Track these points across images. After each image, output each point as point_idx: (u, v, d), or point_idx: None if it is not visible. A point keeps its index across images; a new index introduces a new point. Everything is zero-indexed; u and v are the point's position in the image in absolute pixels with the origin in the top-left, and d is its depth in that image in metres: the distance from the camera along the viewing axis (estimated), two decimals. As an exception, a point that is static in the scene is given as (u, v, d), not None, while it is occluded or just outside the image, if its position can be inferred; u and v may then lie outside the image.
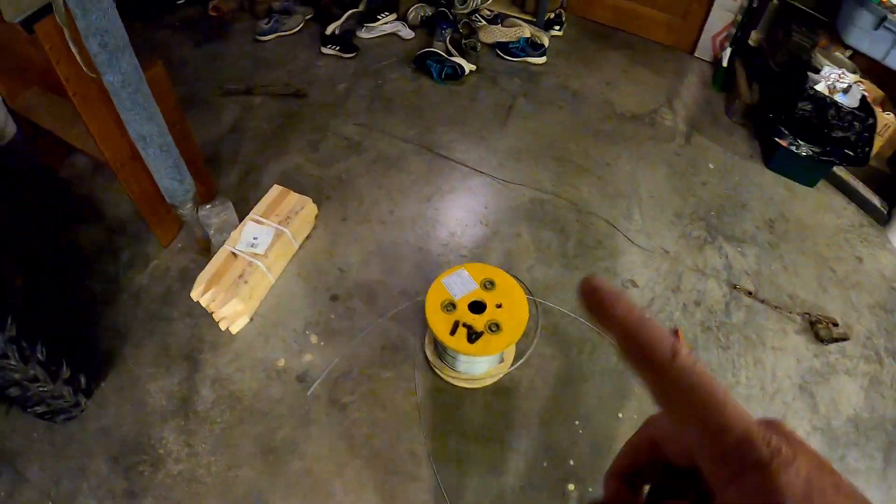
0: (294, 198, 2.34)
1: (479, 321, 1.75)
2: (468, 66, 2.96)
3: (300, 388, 2.02)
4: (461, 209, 2.50)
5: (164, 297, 2.25)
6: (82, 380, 1.86)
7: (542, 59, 3.07)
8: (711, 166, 2.68)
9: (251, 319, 2.17)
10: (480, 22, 3.12)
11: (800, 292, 2.27)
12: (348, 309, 2.19)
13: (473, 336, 1.72)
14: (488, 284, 1.83)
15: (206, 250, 2.29)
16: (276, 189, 2.37)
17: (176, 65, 3.10)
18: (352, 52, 3.13)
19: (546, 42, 3.08)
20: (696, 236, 2.43)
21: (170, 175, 1.91)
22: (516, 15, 3.24)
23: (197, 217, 2.15)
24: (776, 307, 2.18)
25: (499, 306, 1.79)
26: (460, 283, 1.85)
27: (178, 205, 2.06)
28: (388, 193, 2.55)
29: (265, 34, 3.21)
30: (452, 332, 1.73)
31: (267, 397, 2.01)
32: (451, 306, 1.79)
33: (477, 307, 1.80)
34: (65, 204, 2.54)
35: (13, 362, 1.57)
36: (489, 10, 3.24)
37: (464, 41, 2.99)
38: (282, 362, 2.08)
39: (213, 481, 1.86)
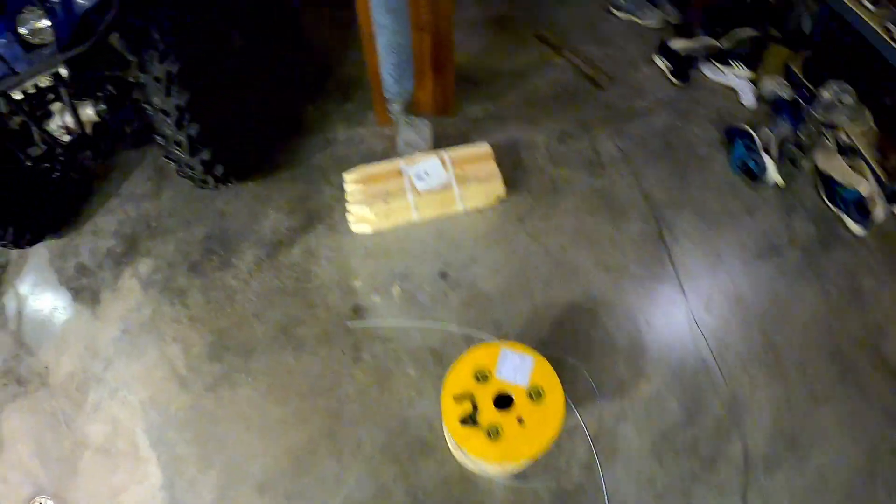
0: (490, 167, 2.23)
1: (486, 415, 1.53)
2: (774, 176, 2.38)
3: (348, 313, 2.05)
4: (622, 300, 2.13)
5: (340, 159, 2.41)
6: (220, 168, 2.12)
7: (859, 230, 2.31)
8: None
9: (372, 232, 2.21)
10: (829, 141, 2.43)
11: None
12: (442, 294, 2.09)
13: (468, 421, 1.52)
14: (535, 394, 1.56)
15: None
16: (483, 147, 2.27)
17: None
18: (681, 80, 2.72)
19: (879, 216, 2.29)
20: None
21: (388, 71, 1.96)
22: (871, 161, 2.43)
23: (399, 119, 2.18)
24: None
25: (520, 420, 1.53)
26: (515, 367, 1.60)
27: (389, 100, 2.11)
28: (576, 230, 2.27)
29: (620, 10, 2.95)
30: (457, 400, 1.55)
31: (323, 295, 2.09)
32: (483, 378, 1.58)
33: (502, 402, 1.56)
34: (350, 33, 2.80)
35: (169, 121, 1.83)
36: (849, 135, 2.49)
37: (790, 146, 2.37)
38: (358, 283, 2.11)
39: (238, 311, 2.06)
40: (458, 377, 1.59)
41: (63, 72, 1.66)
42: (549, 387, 1.58)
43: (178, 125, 1.86)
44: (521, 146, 2.49)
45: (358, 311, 2.05)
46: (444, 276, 2.14)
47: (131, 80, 1.92)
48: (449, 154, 2.24)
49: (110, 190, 2.31)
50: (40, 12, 1.53)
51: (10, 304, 2.11)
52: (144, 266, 2.14)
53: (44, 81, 1.67)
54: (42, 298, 2.10)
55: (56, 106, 1.86)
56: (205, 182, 2.15)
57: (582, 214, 2.32)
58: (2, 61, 1.56)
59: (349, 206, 2.17)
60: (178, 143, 1.92)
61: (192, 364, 1.95)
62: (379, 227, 2.20)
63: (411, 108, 2.24)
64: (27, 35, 1.55)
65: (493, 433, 1.51)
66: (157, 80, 1.77)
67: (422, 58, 2.19)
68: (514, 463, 1.54)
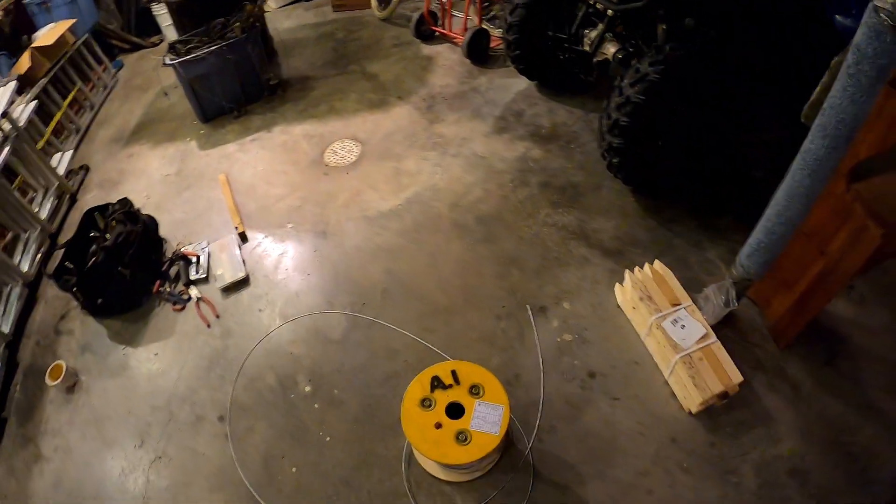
0: (714, 387, 2.12)
1: (441, 399, 1.96)
2: None
3: (536, 304, 2.54)
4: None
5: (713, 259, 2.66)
6: (616, 161, 2.66)
7: None
8: None
9: (618, 304, 2.53)
10: None
11: None
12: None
13: (426, 404, 1.96)
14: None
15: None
16: (736, 377, 2.14)
17: None
18: None
19: None
20: None
21: (753, 238, 2.04)
22: None
23: (725, 281, 2.29)
24: None
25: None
26: (484, 418, 1.92)
27: (735, 260, 2.20)
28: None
29: None
30: (429, 397, 1.97)
31: (561, 276, 2.60)
32: (475, 392, 1.96)
33: (454, 411, 1.93)
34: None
35: (615, 98, 2.49)
36: None
37: None
38: (567, 306, 2.53)
39: (528, 228, 2.81)
40: (471, 371, 2.02)
41: (610, 11, 2.52)
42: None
43: (619, 108, 2.40)
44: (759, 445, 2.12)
45: (542, 311, 2.52)
46: (591, 375, 2.37)
47: (636, 50, 2.61)
48: (714, 344, 2.25)
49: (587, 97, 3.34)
50: None
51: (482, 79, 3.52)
52: (535, 152, 3.09)
53: (600, 5, 2.57)
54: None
55: (599, 27, 2.74)
56: (602, 157, 2.71)
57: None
58: None
59: (629, 275, 2.48)
60: (608, 116, 2.48)
61: (478, 213, 2.93)
62: (622, 307, 2.50)
63: (749, 289, 2.25)
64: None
65: (427, 404, 1.96)
66: (637, 70, 2.32)
67: (795, 270, 2.11)
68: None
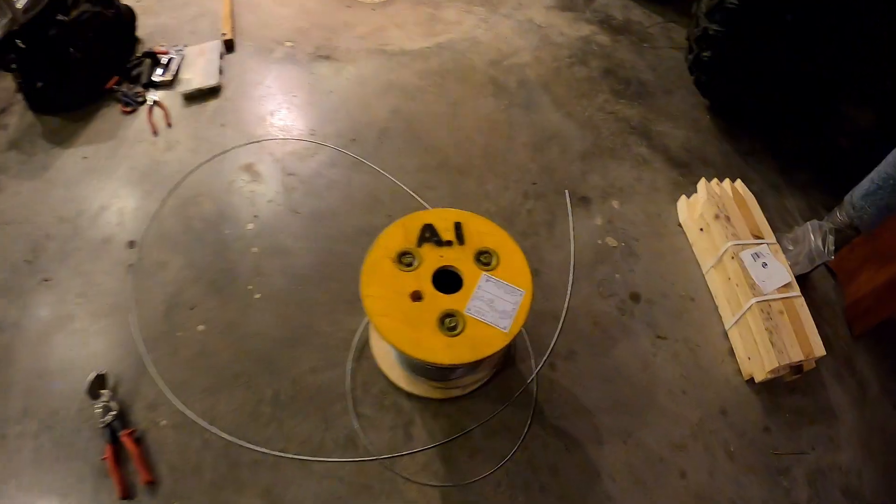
0: (790, 352, 1.55)
1: (430, 259, 1.30)
2: None
3: (579, 193, 1.94)
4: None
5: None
6: (703, 78, 2.19)
7: None
8: None
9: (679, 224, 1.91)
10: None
11: None
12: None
13: (406, 262, 1.32)
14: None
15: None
16: (819, 348, 1.59)
17: None
18: None
19: None
20: None
21: (887, 170, 1.62)
22: None
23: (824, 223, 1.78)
24: None
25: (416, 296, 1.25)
26: (495, 304, 1.28)
27: (846, 200, 1.79)
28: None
29: None
30: (412, 251, 1.33)
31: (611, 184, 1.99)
32: (483, 261, 1.33)
33: (446, 281, 1.30)
34: None
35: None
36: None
37: None
38: (616, 203, 1.92)
39: (588, 112, 2.20)
40: (485, 230, 1.38)
41: None
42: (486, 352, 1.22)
43: (710, 14, 1.94)
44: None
45: (584, 203, 1.95)
46: (635, 298, 1.76)
47: None
48: (797, 300, 1.63)
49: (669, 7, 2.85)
50: None
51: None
52: (602, 38, 2.54)
53: None
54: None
55: None
56: (690, 70, 2.23)
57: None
58: None
59: (704, 185, 1.86)
60: (696, 24, 2.04)
61: (521, 76, 2.36)
62: (685, 226, 1.89)
63: (849, 244, 1.75)
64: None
65: (408, 262, 1.31)
66: None
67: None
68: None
